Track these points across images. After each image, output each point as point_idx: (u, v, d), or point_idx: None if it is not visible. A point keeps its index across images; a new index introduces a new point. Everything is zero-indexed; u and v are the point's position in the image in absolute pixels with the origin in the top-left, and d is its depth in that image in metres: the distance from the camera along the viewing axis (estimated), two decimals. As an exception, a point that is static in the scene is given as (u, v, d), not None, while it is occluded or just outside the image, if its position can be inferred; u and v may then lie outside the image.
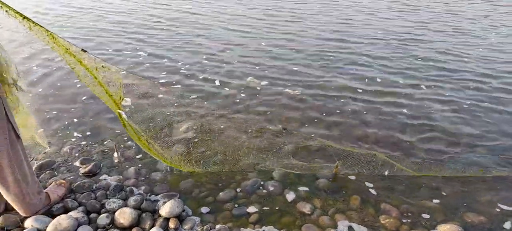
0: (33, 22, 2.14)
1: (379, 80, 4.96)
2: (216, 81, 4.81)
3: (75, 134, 3.49)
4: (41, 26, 2.19)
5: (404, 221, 2.46)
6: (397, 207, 2.59)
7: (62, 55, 2.29)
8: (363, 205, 2.61)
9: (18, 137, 2.13)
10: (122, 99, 2.58)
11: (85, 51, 2.36)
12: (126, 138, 3.39)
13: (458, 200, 2.70)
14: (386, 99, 4.38)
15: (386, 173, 2.91)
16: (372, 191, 2.76)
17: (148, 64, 5.46)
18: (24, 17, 2.09)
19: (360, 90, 4.59)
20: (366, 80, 4.94)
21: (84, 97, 4.31)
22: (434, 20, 8.50)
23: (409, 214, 2.53)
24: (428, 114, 4.03)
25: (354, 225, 2.42)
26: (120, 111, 2.54)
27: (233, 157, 3.12)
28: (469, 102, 4.31)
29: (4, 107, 2.00)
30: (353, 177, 2.91)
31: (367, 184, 2.84)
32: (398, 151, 3.32)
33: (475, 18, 8.73)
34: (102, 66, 2.48)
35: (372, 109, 4.10)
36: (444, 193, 2.76)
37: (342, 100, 4.33)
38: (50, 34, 2.21)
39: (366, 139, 3.52)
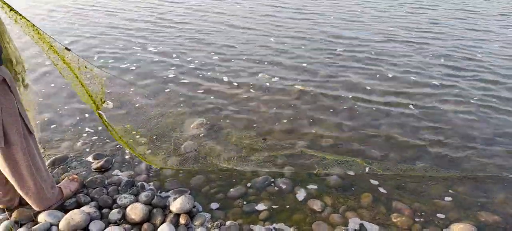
0: (20, 15, 2.12)
1: (390, 76, 4.90)
2: (224, 78, 4.82)
3: (87, 129, 3.52)
4: (27, 19, 2.17)
5: (416, 219, 2.43)
6: (409, 205, 2.56)
7: (46, 52, 2.28)
8: (375, 203, 2.58)
9: (30, 132, 2.15)
10: (103, 102, 2.57)
11: (69, 50, 2.34)
12: (137, 134, 3.42)
13: (471, 199, 2.65)
14: (398, 97, 4.33)
15: (367, 170, 2.88)
16: (384, 189, 2.73)
17: (156, 60, 5.49)
18: (11, 9, 2.09)
19: (369, 88, 4.55)
20: (378, 76, 4.89)
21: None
22: (447, 17, 8.37)
23: (422, 213, 2.50)
24: (441, 113, 3.97)
25: (365, 223, 2.39)
26: (100, 112, 2.53)
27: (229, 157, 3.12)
28: (481, 100, 4.24)
29: (16, 103, 2.02)
30: (364, 175, 2.88)
31: (378, 182, 2.81)
32: (410, 150, 3.27)
33: (491, 15, 8.56)
34: (85, 66, 2.46)
35: (383, 107, 4.06)
36: (457, 192, 2.72)
37: (352, 98, 4.29)
38: (36, 29, 2.20)
39: (376, 137, 3.49)
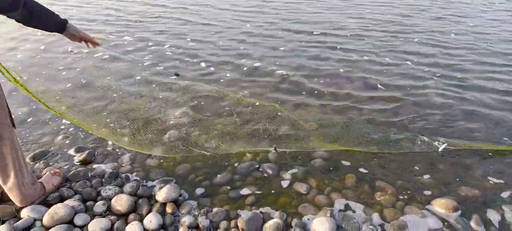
0: None
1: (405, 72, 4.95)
2: (202, 64, 4.77)
3: (66, 122, 3.44)
4: None
5: (400, 197, 2.49)
6: (392, 184, 2.61)
7: None
8: (359, 183, 2.63)
9: (13, 125, 2.11)
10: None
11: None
12: (119, 125, 3.36)
13: (451, 175, 2.73)
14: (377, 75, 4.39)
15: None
16: (367, 169, 2.78)
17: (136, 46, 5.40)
18: None
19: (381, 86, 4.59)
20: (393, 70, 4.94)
21: (72, 84, 4.25)
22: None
23: (405, 190, 2.56)
24: (416, 91, 4.05)
25: (350, 203, 2.44)
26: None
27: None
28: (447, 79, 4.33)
29: (3, 95, 1.99)
30: (347, 157, 2.92)
31: (361, 162, 2.85)
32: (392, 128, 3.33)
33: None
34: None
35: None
36: (438, 169, 2.79)
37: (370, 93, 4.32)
38: None
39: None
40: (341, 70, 4.65)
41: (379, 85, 4.21)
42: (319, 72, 4.58)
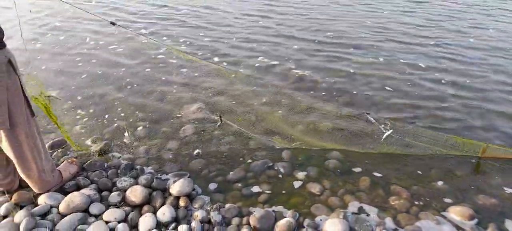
0: None
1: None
2: (218, 60, 4.79)
3: (86, 113, 3.51)
4: None
5: (415, 202, 2.45)
6: (407, 188, 2.57)
7: None
8: (373, 186, 2.60)
9: (33, 114, 2.16)
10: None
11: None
12: (136, 117, 3.41)
13: (469, 182, 2.67)
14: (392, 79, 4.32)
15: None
16: (382, 172, 2.74)
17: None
18: None
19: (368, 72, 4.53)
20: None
21: (93, 77, 4.33)
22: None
23: (420, 195, 2.52)
24: (433, 92, 3.97)
25: (364, 206, 2.41)
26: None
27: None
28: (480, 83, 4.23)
29: (20, 84, 2.03)
30: (362, 159, 2.89)
31: (376, 165, 2.82)
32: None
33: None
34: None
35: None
36: (455, 175, 2.73)
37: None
38: None
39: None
40: (356, 72, 4.59)
41: (390, 88, 4.14)
42: (334, 73, 4.54)
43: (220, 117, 2.93)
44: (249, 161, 2.85)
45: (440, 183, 2.65)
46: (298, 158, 2.90)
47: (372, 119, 2.80)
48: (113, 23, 2.73)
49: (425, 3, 8.28)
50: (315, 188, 2.56)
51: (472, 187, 2.62)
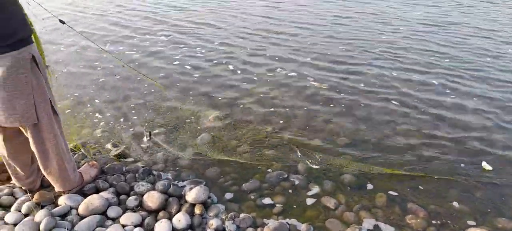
0: None
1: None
2: (238, 72, 4.83)
3: (107, 116, 3.59)
4: None
5: (432, 222, 2.40)
6: (425, 207, 2.53)
7: None
8: (389, 204, 2.57)
9: (55, 113, 2.18)
10: None
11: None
12: (155, 123, 3.47)
13: (489, 204, 2.61)
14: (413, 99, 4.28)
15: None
16: (399, 189, 2.71)
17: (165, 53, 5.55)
18: None
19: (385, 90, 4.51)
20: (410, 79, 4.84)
21: (115, 81, 4.43)
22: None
23: (437, 215, 2.47)
24: (458, 111, 3.91)
25: (380, 224, 2.38)
26: None
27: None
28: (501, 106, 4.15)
29: (44, 82, 2.06)
30: (379, 175, 2.87)
31: (393, 182, 2.79)
32: (427, 151, 3.23)
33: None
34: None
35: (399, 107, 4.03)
36: (474, 196, 2.68)
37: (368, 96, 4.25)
38: None
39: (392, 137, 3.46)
40: (376, 87, 4.57)
41: (415, 104, 4.10)
42: (353, 87, 4.53)
43: (150, 133, 3.24)
44: (265, 171, 2.86)
45: (458, 203, 2.60)
46: (313, 171, 2.89)
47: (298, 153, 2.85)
48: (62, 21, 2.68)
49: (452, 25, 8.20)
50: (330, 202, 2.55)
51: (492, 209, 2.55)
